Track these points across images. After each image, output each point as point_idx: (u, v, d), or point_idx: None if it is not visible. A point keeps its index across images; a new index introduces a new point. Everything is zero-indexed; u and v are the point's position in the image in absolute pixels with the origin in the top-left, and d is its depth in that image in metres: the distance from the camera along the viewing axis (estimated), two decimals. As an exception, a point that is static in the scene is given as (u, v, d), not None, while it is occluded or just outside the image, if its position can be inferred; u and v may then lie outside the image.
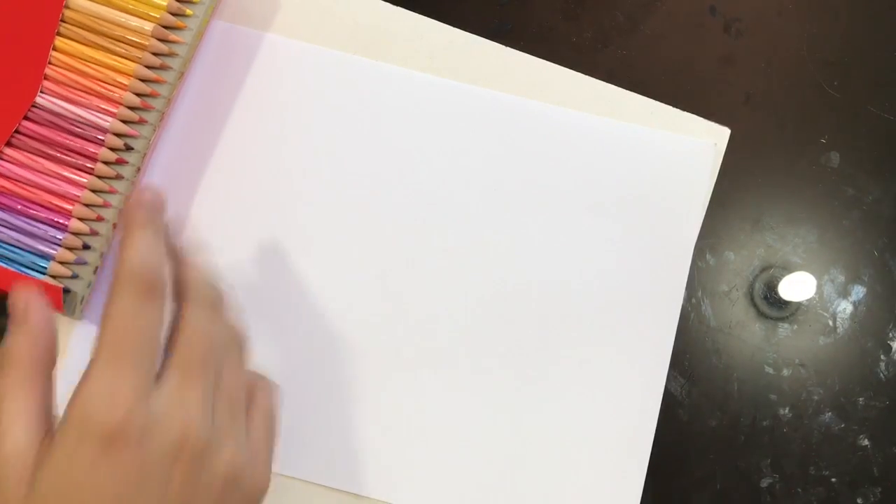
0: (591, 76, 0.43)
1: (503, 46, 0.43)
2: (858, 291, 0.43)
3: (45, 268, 0.38)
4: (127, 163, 0.39)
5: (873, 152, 0.44)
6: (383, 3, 0.43)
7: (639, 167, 0.42)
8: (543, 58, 0.43)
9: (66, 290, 0.38)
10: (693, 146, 0.42)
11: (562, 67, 0.43)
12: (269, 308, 0.41)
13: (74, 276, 0.38)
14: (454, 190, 0.42)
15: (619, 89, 0.43)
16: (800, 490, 0.41)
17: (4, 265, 0.37)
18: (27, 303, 0.29)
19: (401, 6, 0.43)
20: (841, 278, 0.43)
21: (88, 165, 0.39)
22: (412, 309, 0.41)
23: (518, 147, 0.42)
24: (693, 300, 0.42)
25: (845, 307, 0.43)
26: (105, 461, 0.26)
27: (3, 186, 0.38)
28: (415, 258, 0.41)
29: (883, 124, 0.44)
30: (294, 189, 0.42)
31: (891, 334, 0.43)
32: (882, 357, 0.42)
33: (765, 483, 0.41)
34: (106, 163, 0.39)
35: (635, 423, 0.40)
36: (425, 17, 0.43)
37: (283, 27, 0.42)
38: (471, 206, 0.42)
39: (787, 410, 0.42)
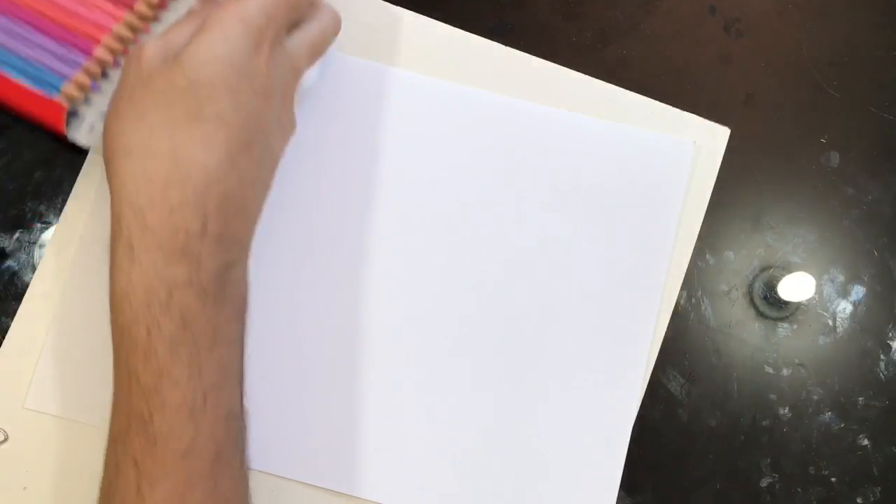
0: (591, 76, 0.43)
1: (503, 46, 0.43)
2: (858, 291, 0.43)
3: (59, 88, 0.37)
4: (167, 8, 0.39)
5: (873, 152, 0.44)
6: (383, 2, 0.43)
7: (618, 165, 0.42)
8: (543, 58, 0.43)
9: (73, 113, 0.38)
10: (671, 144, 0.42)
11: (562, 67, 0.43)
12: (260, 306, 0.41)
13: (87, 102, 0.38)
14: (438, 190, 0.42)
15: (619, 89, 0.43)
16: (799, 490, 0.41)
17: (18, 78, 0.37)
18: None
19: (401, 6, 0.43)
20: (841, 278, 0.43)
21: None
22: (396, 309, 0.41)
23: (498, 146, 0.42)
24: (693, 300, 0.42)
25: (845, 307, 0.43)
26: (254, 54, 0.33)
27: (39, 4, 0.38)
28: (403, 258, 0.41)
29: (883, 124, 0.44)
30: (289, 190, 0.42)
31: (891, 334, 0.43)
32: (882, 357, 0.42)
33: (764, 483, 0.41)
34: (148, 4, 0.39)
35: (611, 424, 0.40)
36: (425, 17, 0.43)
37: (283, 27, 0.42)
38: (453, 206, 0.42)
39: (786, 410, 0.42)
